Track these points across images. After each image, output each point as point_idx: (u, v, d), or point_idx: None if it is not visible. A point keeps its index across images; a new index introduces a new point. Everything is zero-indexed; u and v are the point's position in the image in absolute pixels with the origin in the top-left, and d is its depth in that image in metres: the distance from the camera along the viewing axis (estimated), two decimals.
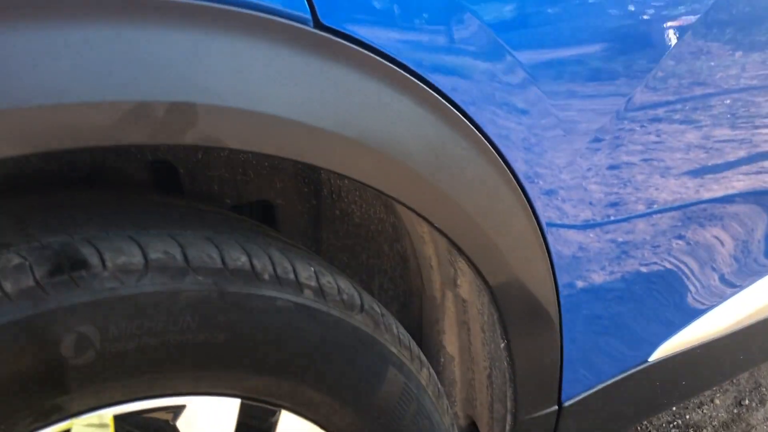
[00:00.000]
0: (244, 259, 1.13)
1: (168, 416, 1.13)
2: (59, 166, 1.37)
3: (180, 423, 1.13)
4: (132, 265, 1.02)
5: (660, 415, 2.95)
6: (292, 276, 1.17)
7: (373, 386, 1.29)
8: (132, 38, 0.86)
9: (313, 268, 1.23)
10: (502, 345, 1.44)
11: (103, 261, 1.01)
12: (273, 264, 1.16)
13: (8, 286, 0.93)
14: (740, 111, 1.57)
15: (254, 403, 1.20)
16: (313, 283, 1.20)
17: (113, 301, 1.00)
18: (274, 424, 1.24)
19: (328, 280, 1.24)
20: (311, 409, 1.26)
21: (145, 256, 1.04)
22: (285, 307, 1.14)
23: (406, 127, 1.13)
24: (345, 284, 1.27)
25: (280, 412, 1.24)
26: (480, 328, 1.64)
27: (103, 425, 1.04)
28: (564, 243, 1.36)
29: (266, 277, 1.13)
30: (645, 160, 1.40)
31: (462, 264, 1.60)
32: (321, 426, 1.28)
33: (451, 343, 1.74)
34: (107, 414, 1.07)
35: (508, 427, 1.59)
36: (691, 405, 3.02)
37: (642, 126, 1.38)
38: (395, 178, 1.16)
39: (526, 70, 1.17)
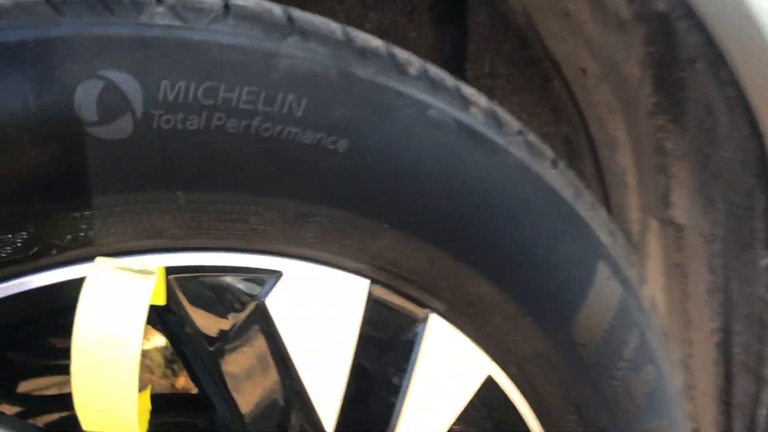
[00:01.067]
0: (379, 43, 0.70)
1: (254, 288, 0.68)
2: None
3: (271, 301, 0.68)
4: (202, 3, 0.62)
5: None
6: (450, 83, 0.73)
7: (575, 290, 0.79)
8: None
9: (479, 92, 0.78)
10: None
11: None
12: (422, 63, 0.72)
13: None
14: None
15: (390, 295, 0.74)
16: (482, 103, 0.75)
17: (167, 44, 0.58)
18: (417, 338, 0.76)
19: (503, 111, 0.78)
20: (477, 318, 0.78)
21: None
22: (441, 120, 0.69)
23: None
24: (526, 128, 0.81)
25: (429, 317, 0.76)
26: (706, 267, 1.11)
27: (146, 273, 0.61)
28: None
29: (412, 72, 0.69)
30: None
31: (679, 166, 1.10)
32: (489, 353, 0.80)
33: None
34: (153, 262, 0.63)
35: (763, 415, 1.03)
36: None
37: None
38: None
39: None
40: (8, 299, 0.60)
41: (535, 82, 1.26)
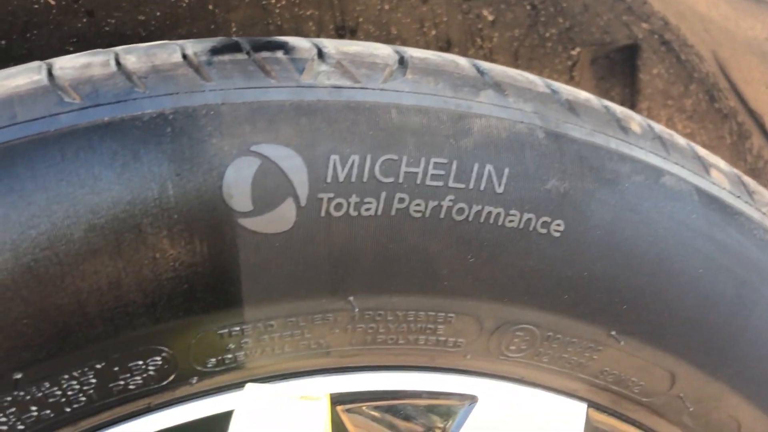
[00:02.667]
0: (588, 95, 0.55)
1: (441, 419, 0.52)
2: None
3: None
4: (374, 56, 0.49)
5: None
6: (682, 141, 0.56)
7: None
8: None
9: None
10: None
11: (320, 49, 0.48)
12: (645, 121, 0.56)
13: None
14: None
15: (615, 422, 0.55)
16: (723, 165, 0.57)
17: (335, 109, 0.45)
18: None
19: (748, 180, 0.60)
20: None
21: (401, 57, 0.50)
22: (679, 189, 0.52)
23: None
24: None
25: None
26: None
27: (311, 400, 0.46)
28: None
29: (635, 128, 0.53)
30: None
31: None
32: None
33: None
34: (318, 387, 0.49)
35: None
36: None
37: None
38: None
39: None
40: None
41: (726, 141, 1.06)
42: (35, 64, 0.45)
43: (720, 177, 0.56)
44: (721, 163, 0.58)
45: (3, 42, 0.70)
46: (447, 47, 1.04)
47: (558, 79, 1.10)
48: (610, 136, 0.52)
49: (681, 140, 0.57)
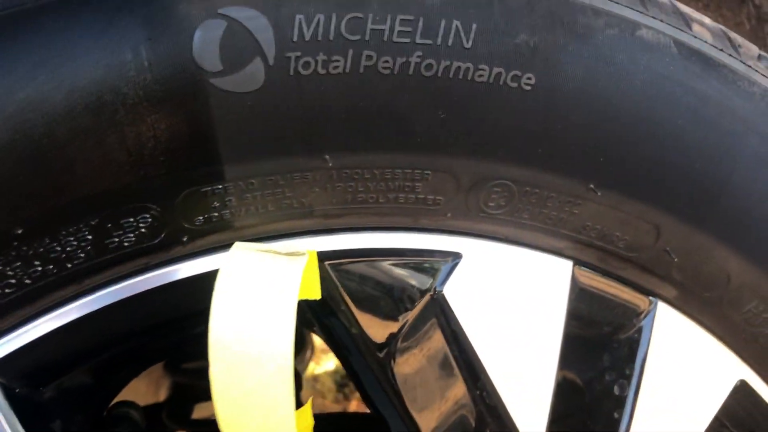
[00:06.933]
0: None
1: (428, 275, 0.54)
2: None
3: (450, 290, 0.53)
4: None
5: None
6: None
7: None
8: None
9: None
10: None
11: None
12: None
13: None
14: None
15: (602, 280, 0.57)
16: (707, 21, 0.57)
17: None
18: (642, 335, 0.58)
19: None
20: (721, 306, 0.58)
21: None
22: (657, 42, 0.51)
23: None
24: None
25: (655, 307, 0.58)
26: None
27: (294, 255, 0.49)
28: None
29: None
30: None
31: None
32: (739, 351, 0.60)
33: None
34: (303, 245, 0.51)
35: None
36: None
37: None
38: None
39: None
40: (137, 298, 0.50)
41: (745, 27, 1.03)
42: None
43: (702, 31, 0.56)
44: (706, 20, 0.58)
45: None
46: None
47: None
48: None
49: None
